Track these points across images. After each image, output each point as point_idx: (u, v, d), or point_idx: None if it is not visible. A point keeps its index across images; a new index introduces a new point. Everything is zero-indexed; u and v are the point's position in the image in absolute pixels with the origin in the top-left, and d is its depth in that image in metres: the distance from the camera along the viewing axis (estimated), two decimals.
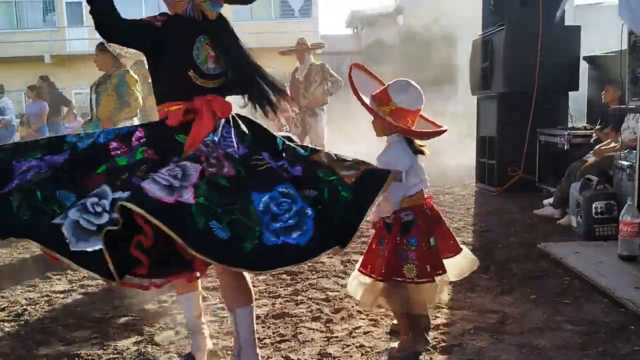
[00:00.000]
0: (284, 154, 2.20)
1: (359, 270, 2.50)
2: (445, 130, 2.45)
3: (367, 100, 2.43)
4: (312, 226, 1.99)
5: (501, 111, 6.74)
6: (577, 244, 4.11)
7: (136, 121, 5.08)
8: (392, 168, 2.21)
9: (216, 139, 2.11)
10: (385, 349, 2.52)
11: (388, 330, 2.73)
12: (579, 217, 4.52)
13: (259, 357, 2.25)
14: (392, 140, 2.45)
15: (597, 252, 3.86)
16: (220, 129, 2.16)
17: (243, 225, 1.91)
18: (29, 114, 10.00)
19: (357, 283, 2.52)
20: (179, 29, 2.21)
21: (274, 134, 2.28)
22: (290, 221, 1.98)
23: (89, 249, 1.87)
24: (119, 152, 2.14)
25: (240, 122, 2.27)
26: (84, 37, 20.58)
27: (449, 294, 2.79)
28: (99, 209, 1.93)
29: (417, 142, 2.44)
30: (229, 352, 2.55)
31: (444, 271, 2.44)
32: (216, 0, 2.24)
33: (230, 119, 2.24)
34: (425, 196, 2.48)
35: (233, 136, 2.17)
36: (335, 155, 2.21)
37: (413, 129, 2.41)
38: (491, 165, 7.00)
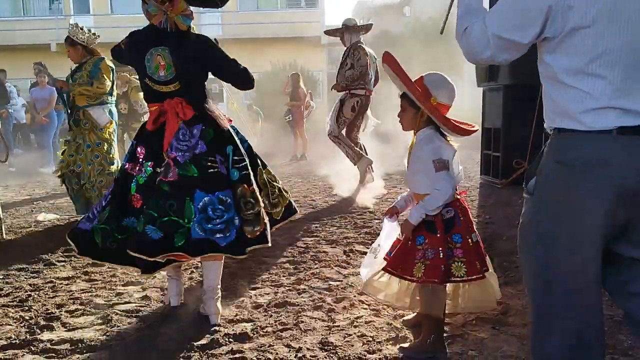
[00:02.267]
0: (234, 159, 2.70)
1: (388, 270, 2.39)
2: (478, 130, 2.45)
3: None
4: (235, 233, 2.57)
5: (507, 103, 6.71)
6: None
7: (113, 109, 5.24)
8: (438, 158, 2.30)
9: (174, 143, 2.63)
10: (400, 347, 2.44)
11: (389, 321, 2.73)
12: None
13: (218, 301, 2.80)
14: (426, 134, 2.38)
15: None
16: (179, 131, 2.64)
17: (174, 224, 2.51)
18: (35, 100, 9.98)
19: (381, 283, 2.44)
20: (136, 46, 2.75)
21: (233, 140, 2.76)
22: (219, 226, 2.55)
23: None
24: (134, 171, 2.72)
25: (208, 121, 2.72)
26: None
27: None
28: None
29: (449, 138, 2.41)
30: (230, 340, 2.57)
31: (488, 268, 2.42)
32: (187, 15, 2.70)
33: (195, 119, 2.68)
34: (458, 192, 2.45)
35: (195, 136, 2.65)
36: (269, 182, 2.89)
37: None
38: (496, 158, 6.97)
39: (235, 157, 2.69)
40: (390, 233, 2.54)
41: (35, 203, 6.67)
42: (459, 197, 2.44)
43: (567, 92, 1.56)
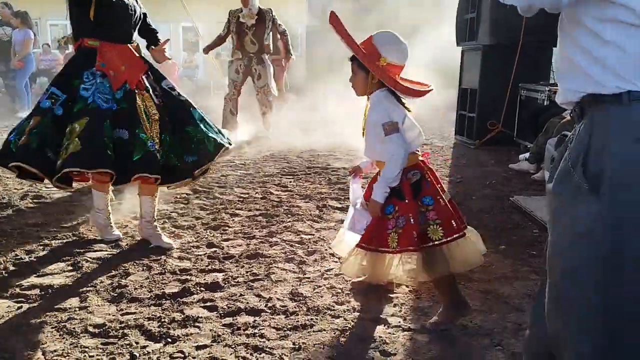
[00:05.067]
0: None
1: (363, 247, 2.28)
2: (432, 89, 2.32)
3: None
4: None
5: (485, 64, 6.70)
6: None
7: None
8: (388, 120, 2.20)
9: None
10: (429, 323, 2.32)
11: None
12: None
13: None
14: (379, 97, 2.27)
15: None
16: None
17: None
18: (14, 43, 9.59)
19: (357, 261, 2.31)
20: None
21: None
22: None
23: None
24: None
25: None
26: None
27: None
28: None
29: (403, 99, 2.29)
30: (202, 289, 2.59)
31: (466, 225, 2.36)
32: None
33: None
34: (421, 153, 2.34)
35: None
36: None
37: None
38: (471, 118, 7.02)
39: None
40: (358, 194, 2.48)
41: None
42: (422, 158, 2.33)
43: None
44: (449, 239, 2.23)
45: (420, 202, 2.23)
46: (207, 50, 7.44)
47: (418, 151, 2.32)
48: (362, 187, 2.55)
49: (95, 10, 2.87)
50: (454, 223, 2.26)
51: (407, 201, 2.22)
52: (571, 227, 1.27)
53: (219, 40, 7.25)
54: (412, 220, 2.19)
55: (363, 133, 2.35)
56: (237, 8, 6.94)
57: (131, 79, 2.97)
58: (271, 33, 7.09)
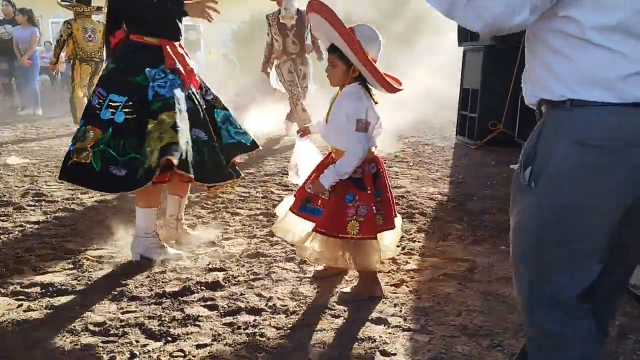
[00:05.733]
0: None
1: (321, 232, 2.39)
2: (402, 89, 2.38)
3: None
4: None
5: (486, 64, 6.69)
6: None
7: None
8: (364, 118, 2.28)
9: None
10: (340, 292, 2.56)
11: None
12: None
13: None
14: (352, 91, 2.33)
15: None
16: None
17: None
18: (17, 40, 9.55)
19: (315, 244, 2.43)
20: None
21: None
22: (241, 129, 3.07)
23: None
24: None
25: None
26: None
27: (419, 241, 2.81)
28: None
29: (373, 91, 2.37)
30: (202, 288, 2.60)
31: (396, 214, 2.59)
32: None
33: None
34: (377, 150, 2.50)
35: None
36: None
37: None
38: (472, 119, 7.02)
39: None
40: (304, 154, 2.65)
41: (4, 146, 6.52)
42: (376, 153, 2.47)
43: (594, 53, 1.23)
44: (384, 228, 2.48)
45: (374, 194, 2.41)
46: (266, 70, 7.21)
47: (375, 147, 2.46)
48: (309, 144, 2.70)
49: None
50: (392, 215, 2.51)
51: (369, 192, 2.37)
52: (515, 220, 1.44)
53: (270, 49, 7.08)
54: (374, 210, 2.37)
55: (327, 120, 2.44)
56: (273, 11, 6.93)
57: (192, 80, 2.83)
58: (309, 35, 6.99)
